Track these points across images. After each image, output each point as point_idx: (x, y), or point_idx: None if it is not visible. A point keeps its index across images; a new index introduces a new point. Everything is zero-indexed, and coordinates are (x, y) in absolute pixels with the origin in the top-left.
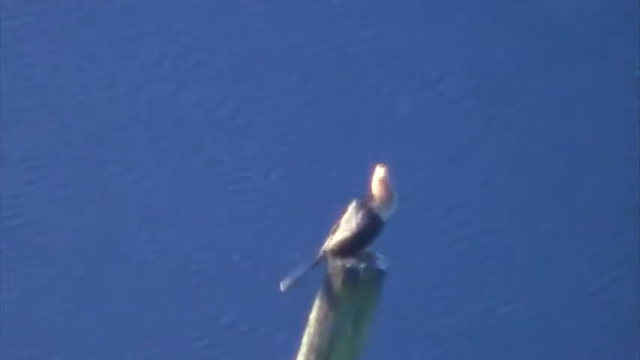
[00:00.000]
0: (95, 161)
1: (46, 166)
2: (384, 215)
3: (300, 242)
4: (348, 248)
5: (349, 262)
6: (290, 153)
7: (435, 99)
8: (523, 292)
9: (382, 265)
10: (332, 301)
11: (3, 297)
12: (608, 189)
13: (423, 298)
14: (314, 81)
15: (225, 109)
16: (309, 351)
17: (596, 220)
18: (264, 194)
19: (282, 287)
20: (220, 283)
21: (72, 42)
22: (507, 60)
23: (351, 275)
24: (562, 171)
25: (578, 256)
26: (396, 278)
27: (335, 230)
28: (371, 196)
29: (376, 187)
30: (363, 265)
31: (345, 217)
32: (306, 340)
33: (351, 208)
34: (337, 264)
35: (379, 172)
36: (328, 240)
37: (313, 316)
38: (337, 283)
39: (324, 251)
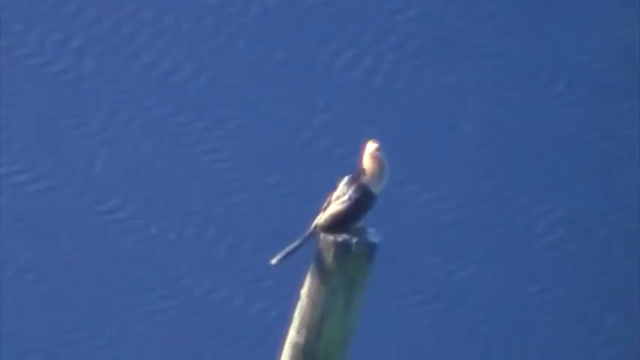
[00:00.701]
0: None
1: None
2: (376, 189)
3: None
4: (340, 223)
5: (340, 237)
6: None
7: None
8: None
9: (374, 238)
10: (323, 275)
11: None
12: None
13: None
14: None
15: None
16: (301, 325)
17: None
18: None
19: (274, 261)
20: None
21: None
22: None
23: (342, 249)
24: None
25: None
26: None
27: (326, 206)
28: (362, 171)
29: (367, 161)
30: (355, 239)
31: (336, 192)
32: (297, 314)
33: (342, 184)
34: (329, 238)
35: (370, 147)
36: (320, 215)
37: (304, 291)
38: (329, 257)
39: (316, 226)
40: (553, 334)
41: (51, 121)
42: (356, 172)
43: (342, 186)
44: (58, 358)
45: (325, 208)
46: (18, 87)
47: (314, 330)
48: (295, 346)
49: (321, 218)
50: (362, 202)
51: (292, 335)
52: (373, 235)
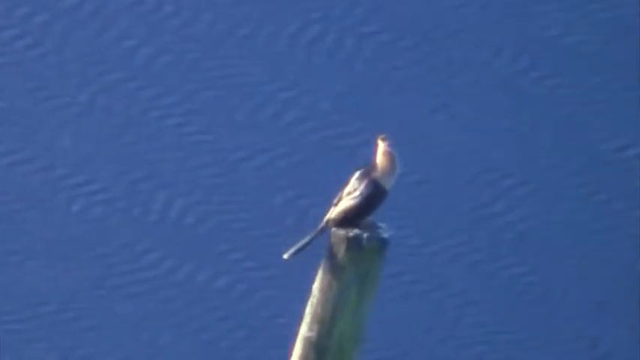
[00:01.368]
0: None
1: None
2: (387, 185)
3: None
4: (351, 218)
5: (352, 232)
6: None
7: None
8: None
9: (385, 233)
10: (335, 270)
11: None
12: None
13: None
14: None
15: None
16: (313, 321)
17: None
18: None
19: (286, 256)
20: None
21: None
22: None
23: (354, 244)
24: None
25: None
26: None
27: (338, 201)
28: (374, 166)
29: (379, 157)
30: (366, 234)
31: (347, 187)
32: (309, 310)
33: (354, 179)
34: (340, 233)
35: (382, 143)
36: (331, 210)
37: (316, 286)
38: (340, 252)
39: (327, 221)
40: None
41: (16, 95)
42: (367, 167)
43: (353, 181)
44: (24, 334)
45: (337, 204)
46: None
47: (326, 325)
48: (307, 341)
49: (333, 213)
50: (373, 197)
51: (304, 331)
52: (384, 231)
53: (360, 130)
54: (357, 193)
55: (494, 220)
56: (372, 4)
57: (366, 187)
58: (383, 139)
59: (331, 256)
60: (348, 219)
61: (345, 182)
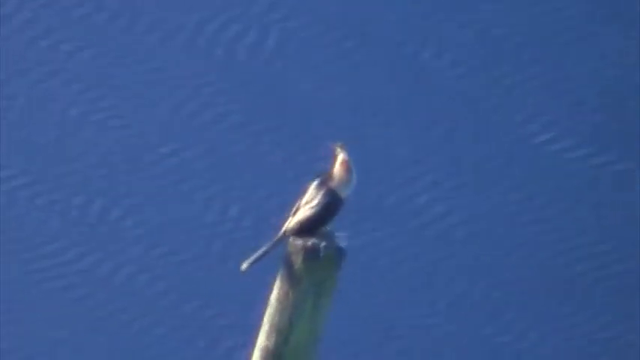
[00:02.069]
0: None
1: None
2: (343, 194)
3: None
4: (309, 227)
5: (310, 241)
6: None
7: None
8: None
9: (342, 242)
10: (292, 279)
11: None
12: None
13: None
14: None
15: None
16: (271, 330)
17: None
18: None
19: (244, 266)
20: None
21: None
22: None
23: (311, 253)
24: None
25: None
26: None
27: (295, 211)
28: (330, 175)
29: (336, 166)
30: (323, 244)
31: (305, 197)
32: (267, 319)
33: (312, 188)
34: (297, 243)
35: (338, 152)
36: (289, 220)
37: (274, 295)
38: (297, 261)
39: (285, 231)
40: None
41: None
42: (324, 177)
43: (311, 190)
44: None
45: (294, 213)
46: None
47: (283, 334)
48: (264, 351)
49: (291, 222)
50: (331, 207)
51: (262, 340)
52: (341, 240)
53: (281, 126)
54: (315, 202)
55: (421, 213)
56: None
57: (324, 196)
58: (340, 148)
59: (288, 265)
60: (306, 228)
61: (303, 191)
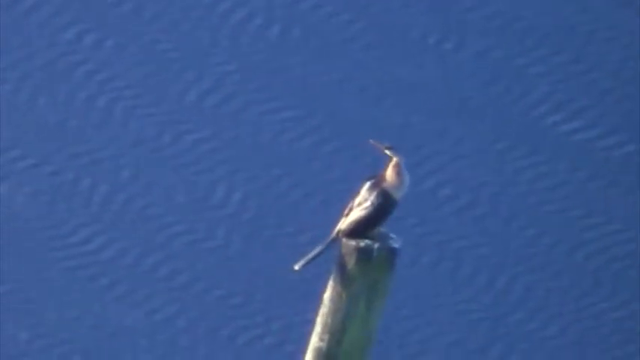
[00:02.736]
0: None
1: None
2: (397, 195)
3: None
4: (362, 228)
5: (363, 242)
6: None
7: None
8: None
9: (395, 243)
10: (345, 280)
11: None
12: None
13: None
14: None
15: None
16: (323, 331)
17: None
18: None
19: (297, 267)
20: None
21: None
22: None
23: (364, 254)
24: None
25: None
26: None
27: (348, 212)
28: (383, 177)
29: (389, 168)
30: (376, 245)
31: (358, 198)
32: (320, 320)
33: (364, 190)
34: (350, 244)
35: (392, 155)
36: (342, 221)
37: (327, 295)
38: (350, 262)
39: (338, 232)
40: None
41: None
42: (377, 178)
43: (363, 192)
44: None
45: (347, 214)
46: None
47: (336, 335)
48: (317, 352)
49: (344, 223)
50: (384, 208)
51: (314, 341)
52: (395, 241)
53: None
54: (368, 203)
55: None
56: None
57: (377, 197)
58: (389, 150)
59: (341, 266)
60: (359, 229)
61: (356, 193)
